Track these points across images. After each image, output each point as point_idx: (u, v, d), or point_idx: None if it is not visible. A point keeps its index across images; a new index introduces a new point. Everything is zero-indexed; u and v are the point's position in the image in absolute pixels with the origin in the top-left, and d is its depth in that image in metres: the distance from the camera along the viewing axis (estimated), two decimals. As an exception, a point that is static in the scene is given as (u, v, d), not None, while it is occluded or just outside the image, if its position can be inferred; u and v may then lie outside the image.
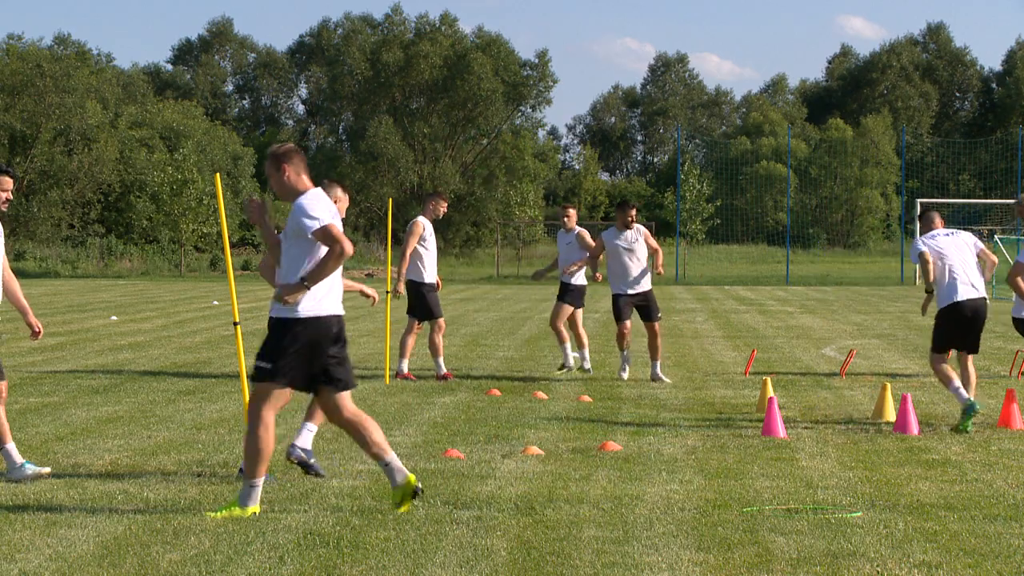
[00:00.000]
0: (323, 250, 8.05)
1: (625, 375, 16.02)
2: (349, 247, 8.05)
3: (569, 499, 8.63)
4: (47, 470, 9.32)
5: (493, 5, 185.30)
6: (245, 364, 9.71)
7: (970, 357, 12.68)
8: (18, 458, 9.24)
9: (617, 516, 8.12)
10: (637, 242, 15.83)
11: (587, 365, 16.49)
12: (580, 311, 16.65)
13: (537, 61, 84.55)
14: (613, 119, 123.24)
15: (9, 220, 60.78)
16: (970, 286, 12.42)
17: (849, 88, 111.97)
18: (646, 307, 15.88)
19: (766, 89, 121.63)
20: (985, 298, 12.53)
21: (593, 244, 16.07)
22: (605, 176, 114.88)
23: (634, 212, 15.97)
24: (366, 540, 7.44)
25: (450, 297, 36.29)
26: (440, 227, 60.63)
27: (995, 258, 13.08)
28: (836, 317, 28.95)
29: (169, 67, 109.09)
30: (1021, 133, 59.23)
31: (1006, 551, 7.33)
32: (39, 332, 9.67)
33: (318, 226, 7.99)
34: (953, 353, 12.61)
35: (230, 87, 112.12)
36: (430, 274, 15.79)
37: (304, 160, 8.31)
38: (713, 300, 37.07)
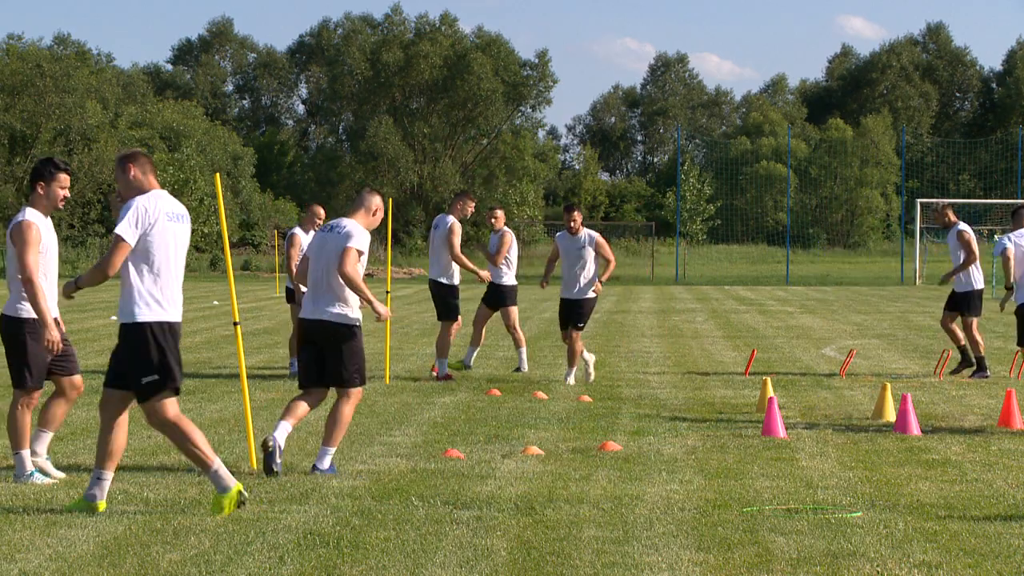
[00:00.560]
0: (156, 250, 8.11)
1: (571, 380, 15.37)
2: (111, 271, 8.10)
3: (569, 499, 8.63)
4: (58, 477, 9.29)
5: (493, 5, 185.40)
6: (245, 364, 9.71)
7: None
8: (29, 466, 9.23)
9: (617, 516, 8.12)
10: (584, 248, 15.21)
11: (524, 368, 16.50)
12: (514, 309, 16.49)
13: (537, 61, 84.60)
14: (613, 119, 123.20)
15: (8, 220, 60.80)
16: None
17: (849, 88, 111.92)
18: (575, 312, 15.28)
19: (766, 89, 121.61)
20: None
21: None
22: (605, 176, 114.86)
23: (577, 216, 15.26)
24: (366, 540, 7.44)
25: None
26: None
27: None
28: (836, 317, 28.95)
29: (169, 67, 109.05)
30: (1021, 133, 59.23)
31: (1006, 551, 7.33)
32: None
33: (116, 231, 8.10)
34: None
35: (230, 87, 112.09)
36: (452, 276, 15.86)
37: (152, 162, 8.42)
38: (713, 300, 37.07)
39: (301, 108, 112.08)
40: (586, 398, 14.06)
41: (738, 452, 10.60)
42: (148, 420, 8.26)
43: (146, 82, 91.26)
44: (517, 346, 16.70)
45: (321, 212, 16.62)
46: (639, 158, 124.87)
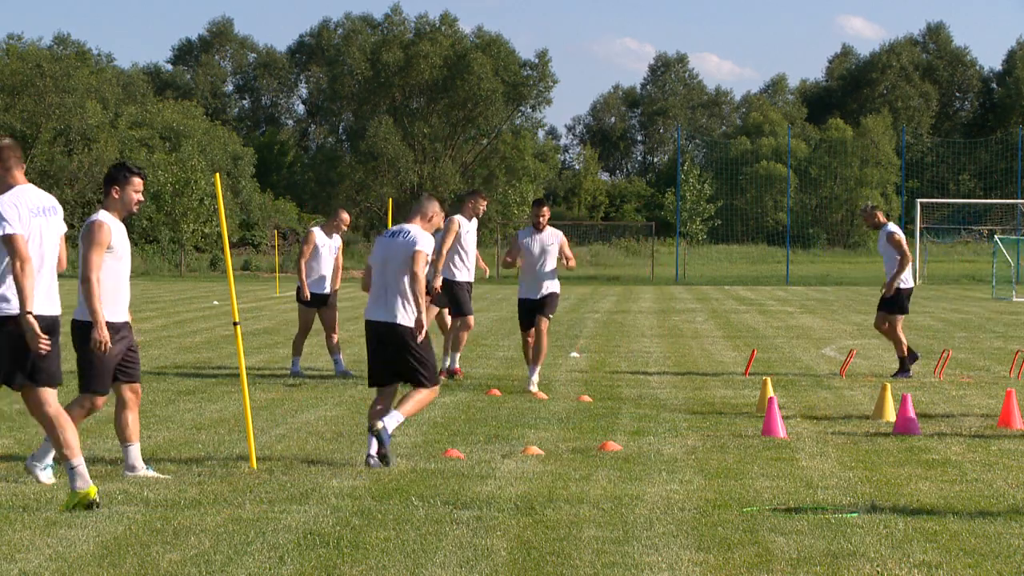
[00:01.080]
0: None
1: (535, 379, 14.73)
2: (29, 268, 8.01)
3: (569, 499, 8.63)
4: (164, 478, 9.28)
5: (493, 5, 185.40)
6: (245, 364, 9.71)
7: None
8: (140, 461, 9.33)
9: (617, 516, 8.12)
10: (552, 245, 14.84)
11: (452, 366, 15.89)
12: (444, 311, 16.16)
13: (537, 61, 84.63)
14: (613, 119, 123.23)
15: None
16: None
17: (849, 88, 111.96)
18: (543, 305, 14.75)
19: (766, 89, 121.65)
20: None
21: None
22: (605, 176, 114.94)
23: (546, 211, 14.89)
24: (366, 540, 7.44)
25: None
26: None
27: None
28: (836, 317, 28.95)
29: (169, 67, 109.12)
30: (1021, 133, 59.23)
31: (1006, 551, 7.33)
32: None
33: (4, 234, 8.04)
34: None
35: (230, 87, 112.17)
36: (463, 273, 15.75)
37: (17, 154, 8.30)
38: (713, 300, 37.07)
39: (301, 108, 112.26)
40: (586, 398, 14.07)
41: (738, 452, 10.60)
42: (28, 410, 8.40)
43: (146, 82, 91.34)
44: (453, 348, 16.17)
45: (347, 219, 16.71)
46: (639, 158, 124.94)
